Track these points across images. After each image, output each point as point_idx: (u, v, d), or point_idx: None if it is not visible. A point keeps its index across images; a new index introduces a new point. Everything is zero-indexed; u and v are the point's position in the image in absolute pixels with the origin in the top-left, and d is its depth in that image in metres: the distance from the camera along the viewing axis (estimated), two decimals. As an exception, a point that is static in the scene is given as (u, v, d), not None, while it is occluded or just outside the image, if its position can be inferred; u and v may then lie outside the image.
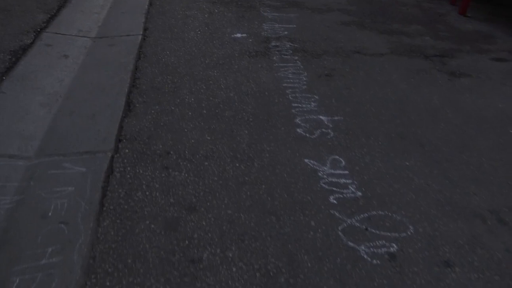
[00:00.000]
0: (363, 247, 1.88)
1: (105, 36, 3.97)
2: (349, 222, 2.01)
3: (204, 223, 1.97)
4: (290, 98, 3.06)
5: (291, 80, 3.31)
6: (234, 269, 1.75)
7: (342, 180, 2.29)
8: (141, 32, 4.04)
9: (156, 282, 1.69)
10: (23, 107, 2.84)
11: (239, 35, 4.08)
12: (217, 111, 2.86)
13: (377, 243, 1.91)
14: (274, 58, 3.67)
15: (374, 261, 1.82)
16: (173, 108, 2.87)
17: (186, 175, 2.26)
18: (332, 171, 2.35)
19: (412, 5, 5.37)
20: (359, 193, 2.20)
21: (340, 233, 1.95)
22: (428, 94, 3.26)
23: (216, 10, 4.56)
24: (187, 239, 1.88)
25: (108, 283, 1.66)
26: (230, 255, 1.81)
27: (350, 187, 2.24)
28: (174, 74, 3.29)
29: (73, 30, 4.00)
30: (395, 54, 3.95)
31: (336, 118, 2.85)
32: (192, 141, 2.55)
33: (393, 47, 4.09)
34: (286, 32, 4.22)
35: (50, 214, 2.01)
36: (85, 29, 4.06)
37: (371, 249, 1.88)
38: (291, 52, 3.81)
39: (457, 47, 4.19)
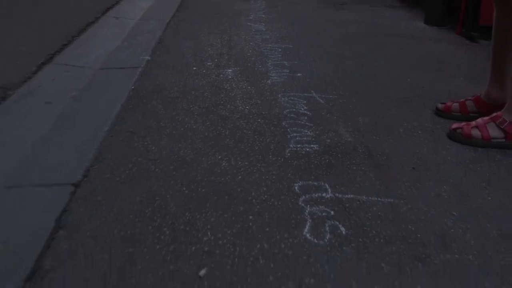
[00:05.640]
0: (258, 36, 5.23)
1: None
2: (257, 29, 5.37)
3: (201, 26, 5.39)
4: (251, 12, 6.50)
5: (255, 7, 6.75)
6: (203, 24, 5.14)
7: (261, 27, 5.65)
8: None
9: (182, 39, 5.09)
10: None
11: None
12: (213, 16, 6.33)
13: (267, 35, 5.24)
14: (251, 2, 7.14)
15: (253, 38, 5.15)
16: (193, 16, 6.37)
17: (197, 25, 5.71)
18: (258, 26, 5.73)
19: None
20: (264, 29, 5.55)
21: (251, 28, 5.31)
22: (320, 14, 6.58)
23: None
24: (195, 34, 5.30)
25: (165, 43, 5.08)
26: (205, 28, 5.20)
27: (262, 28, 5.60)
28: (196, 12, 6.82)
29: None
30: (320, 3, 7.31)
31: (270, 16, 6.24)
32: (201, 22, 6.01)
33: (321, 1, 7.46)
34: (262, -4, 7.70)
35: (145, 33, 5.48)
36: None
37: (265, 36, 5.21)
38: (261, 2, 7.27)
39: (357, 2, 7.50)
